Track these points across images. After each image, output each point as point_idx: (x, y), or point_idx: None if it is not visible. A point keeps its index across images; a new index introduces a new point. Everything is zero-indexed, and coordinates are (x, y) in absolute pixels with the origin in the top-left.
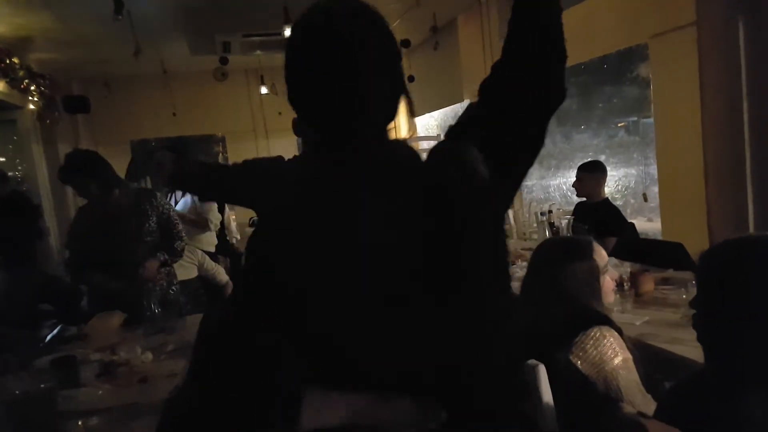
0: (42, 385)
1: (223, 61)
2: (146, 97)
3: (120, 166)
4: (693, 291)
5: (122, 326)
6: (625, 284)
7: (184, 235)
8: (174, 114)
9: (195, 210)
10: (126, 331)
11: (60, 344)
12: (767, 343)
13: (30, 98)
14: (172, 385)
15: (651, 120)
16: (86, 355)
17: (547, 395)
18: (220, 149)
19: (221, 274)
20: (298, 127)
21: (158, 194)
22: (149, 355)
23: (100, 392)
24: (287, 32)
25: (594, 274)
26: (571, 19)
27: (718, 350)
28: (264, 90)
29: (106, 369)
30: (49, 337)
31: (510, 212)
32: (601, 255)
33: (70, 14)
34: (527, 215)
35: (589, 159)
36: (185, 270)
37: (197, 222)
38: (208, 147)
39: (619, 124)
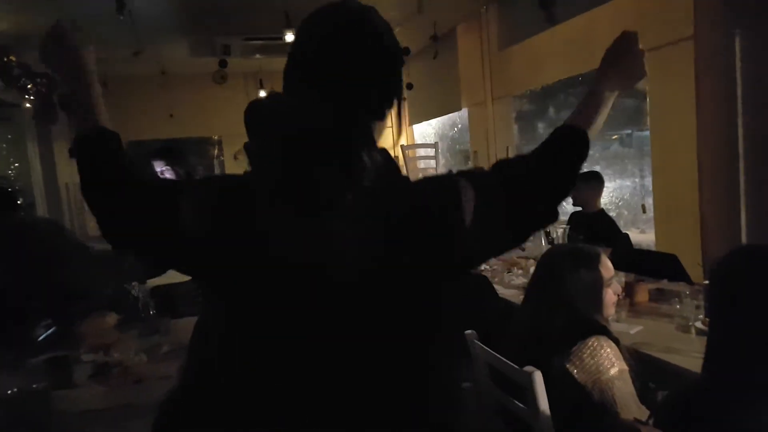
0: (35, 385)
1: (223, 63)
2: (144, 97)
3: None
4: (686, 302)
5: (116, 327)
6: (620, 293)
7: None
8: (171, 115)
9: None
10: (120, 332)
11: (53, 344)
12: (765, 354)
13: (26, 96)
14: (167, 387)
15: (646, 132)
16: (79, 355)
17: (543, 401)
18: (216, 152)
19: None
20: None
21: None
22: (143, 357)
23: (94, 393)
24: (288, 37)
25: (597, 285)
26: (569, 32)
27: (719, 359)
28: (263, 94)
29: (100, 370)
30: (42, 337)
31: None
32: (607, 267)
33: (70, 13)
34: None
35: (585, 170)
36: None
37: None
38: (204, 149)
39: (613, 137)
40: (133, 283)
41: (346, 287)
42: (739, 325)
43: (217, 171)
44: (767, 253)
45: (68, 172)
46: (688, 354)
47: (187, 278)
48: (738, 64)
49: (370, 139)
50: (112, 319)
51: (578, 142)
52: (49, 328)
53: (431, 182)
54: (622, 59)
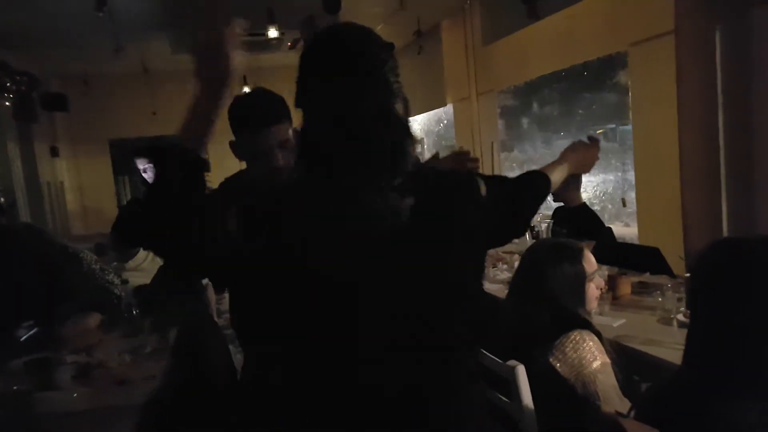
0: (15, 387)
1: None
2: (126, 95)
3: (99, 165)
4: (668, 294)
5: (99, 328)
6: (602, 287)
7: None
8: (154, 113)
9: None
10: (103, 333)
11: (35, 345)
12: (747, 346)
13: (6, 95)
14: (150, 388)
15: (629, 127)
16: (62, 357)
17: (526, 395)
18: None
19: None
20: (238, 149)
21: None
22: (127, 357)
23: (76, 394)
24: (271, 33)
25: (580, 279)
26: (552, 27)
27: (699, 351)
28: (247, 90)
29: (83, 371)
30: (24, 338)
31: None
32: (590, 262)
33: (50, 11)
34: None
35: None
36: None
37: None
38: None
39: (598, 131)
40: (116, 283)
41: (372, 285)
42: (718, 317)
43: None
44: (746, 245)
45: (49, 172)
46: (670, 346)
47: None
48: (718, 57)
49: (405, 134)
50: (94, 320)
51: (544, 183)
52: (31, 330)
53: (452, 174)
54: (584, 152)
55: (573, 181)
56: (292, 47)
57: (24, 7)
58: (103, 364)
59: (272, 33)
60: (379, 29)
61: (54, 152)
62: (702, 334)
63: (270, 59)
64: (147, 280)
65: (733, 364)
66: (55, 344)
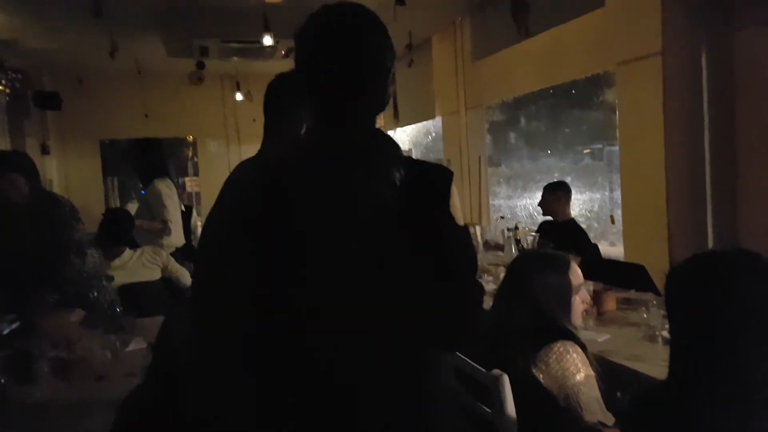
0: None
1: (200, 65)
2: (119, 96)
3: (89, 164)
4: (653, 311)
5: (81, 324)
6: (588, 301)
7: None
8: (146, 115)
9: (150, 213)
10: (85, 329)
11: (15, 339)
12: (724, 357)
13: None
14: (130, 385)
15: (616, 148)
16: (42, 351)
17: (509, 405)
18: (191, 153)
19: (185, 277)
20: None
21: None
22: (107, 354)
23: (54, 389)
24: (266, 40)
25: (566, 290)
26: (541, 45)
27: (679, 363)
28: (239, 96)
29: (62, 366)
30: (6, 331)
31: (477, 227)
32: (576, 274)
33: (47, 9)
34: (494, 231)
35: (554, 180)
36: (148, 271)
37: (154, 227)
38: (179, 150)
39: (585, 151)
40: (104, 283)
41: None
42: (697, 329)
43: (190, 173)
44: (721, 258)
45: (39, 169)
46: (655, 362)
47: (154, 278)
48: (704, 78)
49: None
50: (76, 315)
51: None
52: (14, 322)
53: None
54: None
55: (563, 196)
56: (286, 56)
57: (20, 5)
58: (84, 359)
59: (267, 41)
60: None
61: (44, 150)
62: (682, 347)
63: (264, 66)
64: (132, 279)
65: (713, 374)
66: (35, 338)
